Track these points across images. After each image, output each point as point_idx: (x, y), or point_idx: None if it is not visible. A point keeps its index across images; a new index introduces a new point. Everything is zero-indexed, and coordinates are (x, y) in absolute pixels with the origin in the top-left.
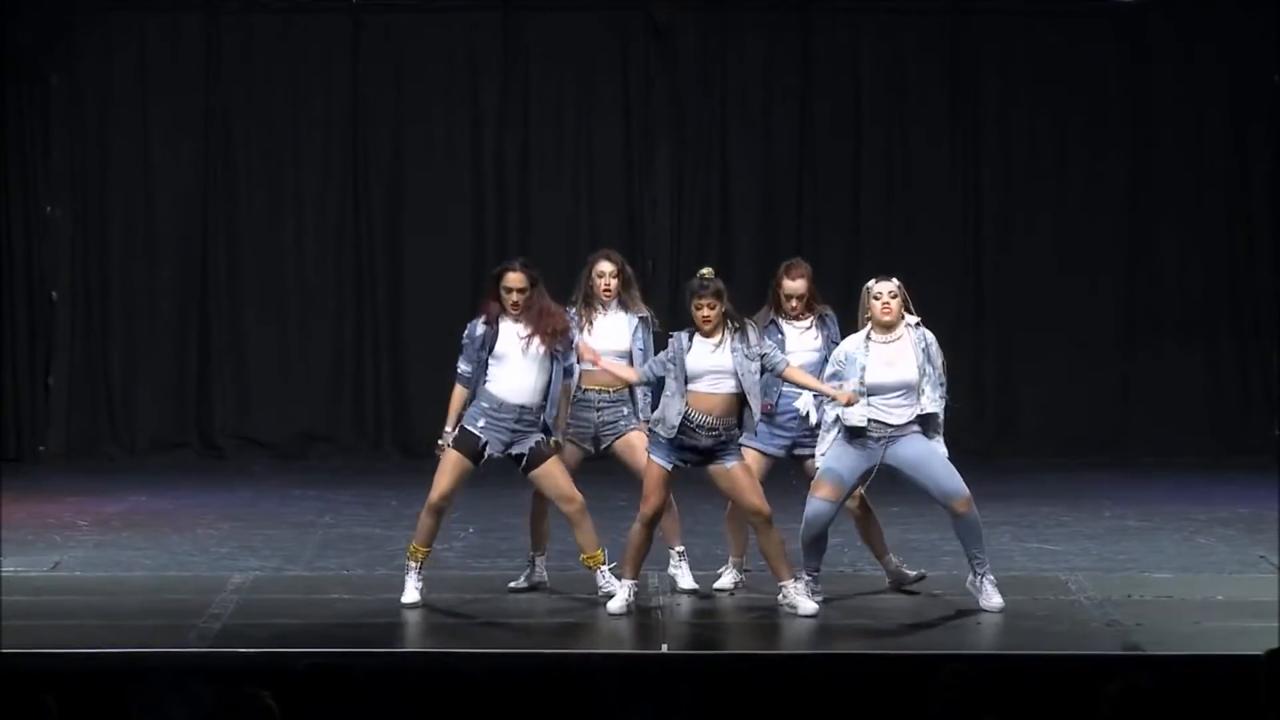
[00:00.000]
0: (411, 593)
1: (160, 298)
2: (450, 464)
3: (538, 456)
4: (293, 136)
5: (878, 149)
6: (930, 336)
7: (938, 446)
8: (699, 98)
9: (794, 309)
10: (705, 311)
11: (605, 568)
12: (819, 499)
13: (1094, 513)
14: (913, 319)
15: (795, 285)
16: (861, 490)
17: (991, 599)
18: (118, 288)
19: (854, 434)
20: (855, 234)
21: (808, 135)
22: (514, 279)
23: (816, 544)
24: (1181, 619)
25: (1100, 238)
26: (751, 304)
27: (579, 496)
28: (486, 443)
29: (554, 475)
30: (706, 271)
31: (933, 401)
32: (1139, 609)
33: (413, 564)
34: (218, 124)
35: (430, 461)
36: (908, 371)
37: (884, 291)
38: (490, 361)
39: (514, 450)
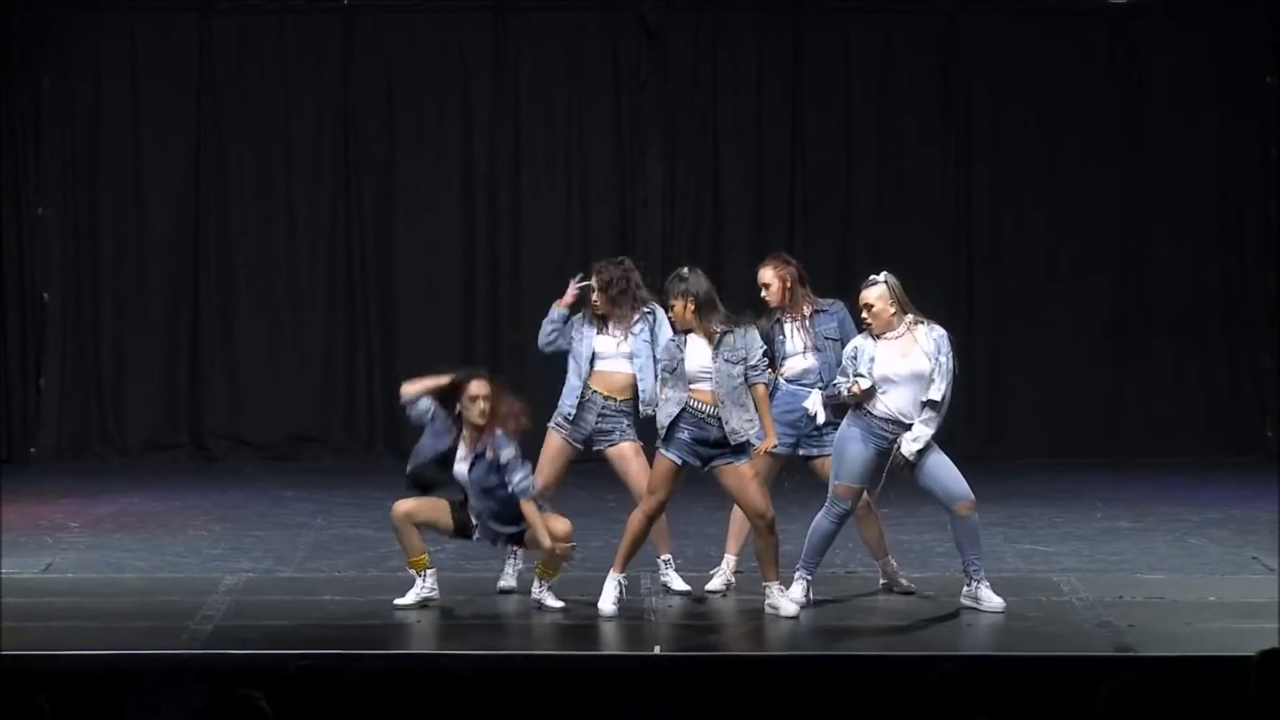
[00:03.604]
0: (410, 597)
1: (152, 299)
2: (428, 505)
3: (524, 537)
4: (284, 137)
5: (869, 149)
6: (941, 332)
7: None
8: (690, 98)
9: (765, 301)
10: (672, 303)
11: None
12: (847, 502)
13: (1086, 514)
14: (918, 317)
15: (761, 273)
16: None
17: (991, 600)
18: (109, 289)
19: (868, 429)
20: (847, 235)
21: (799, 135)
22: (478, 387)
23: (825, 544)
24: (1174, 620)
25: (1091, 238)
26: (743, 305)
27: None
28: (477, 526)
29: (538, 526)
30: (683, 271)
31: (935, 389)
32: (1131, 610)
33: (415, 574)
34: (209, 125)
35: None
36: (919, 362)
37: (863, 306)
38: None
39: (505, 535)
